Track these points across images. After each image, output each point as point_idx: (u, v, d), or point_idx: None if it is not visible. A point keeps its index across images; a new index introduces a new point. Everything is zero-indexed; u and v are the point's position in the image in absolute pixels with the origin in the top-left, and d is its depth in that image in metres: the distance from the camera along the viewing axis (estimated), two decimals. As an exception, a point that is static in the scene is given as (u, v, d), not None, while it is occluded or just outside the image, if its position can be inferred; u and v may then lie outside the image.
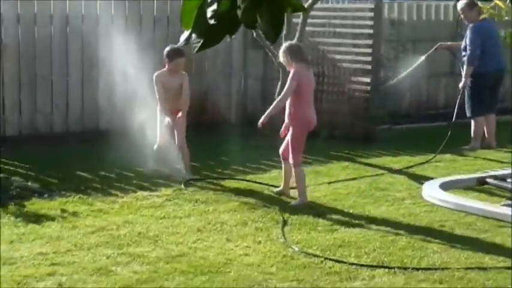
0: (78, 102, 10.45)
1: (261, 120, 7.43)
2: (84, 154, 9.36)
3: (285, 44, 7.57)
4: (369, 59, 10.85)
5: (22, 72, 10.04)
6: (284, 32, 10.21)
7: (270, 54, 10.50)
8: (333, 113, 11.22)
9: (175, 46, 8.23)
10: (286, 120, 7.55)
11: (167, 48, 8.34)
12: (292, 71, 7.39)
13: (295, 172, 7.47)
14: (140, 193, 7.70)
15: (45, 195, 7.49)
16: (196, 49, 1.98)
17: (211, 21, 1.93)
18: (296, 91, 7.36)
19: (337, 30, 11.26)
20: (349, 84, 11.12)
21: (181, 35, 2.15)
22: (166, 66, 8.32)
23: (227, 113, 11.77)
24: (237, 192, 7.82)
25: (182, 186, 7.92)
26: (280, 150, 7.64)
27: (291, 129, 7.50)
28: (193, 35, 2.00)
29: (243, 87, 11.99)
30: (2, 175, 8.00)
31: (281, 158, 7.68)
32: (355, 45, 11.05)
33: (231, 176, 8.52)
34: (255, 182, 8.22)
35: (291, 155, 7.45)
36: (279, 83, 10.40)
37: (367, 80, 10.88)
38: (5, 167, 8.65)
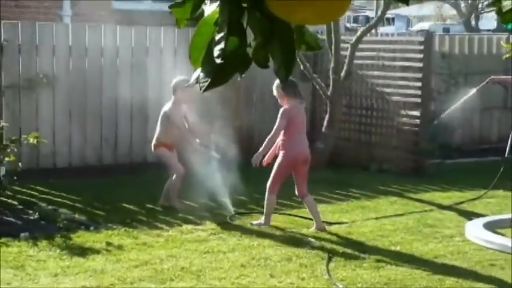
0: (127, 135, 10.51)
1: (253, 160, 7.56)
2: (132, 186, 9.40)
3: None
4: (419, 92, 10.75)
5: (73, 103, 10.14)
6: (332, 65, 10.24)
7: (317, 87, 10.50)
8: (382, 146, 11.18)
9: (182, 78, 8.24)
10: (276, 150, 7.61)
11: (175, 80, 8.37)
12: (283, 108, 7.54)
13: (267, 198, 7.57)
14: (185, 227, 7.69)
15: (92, 228, 7.53)
16: (203, 89, 1.93)
17: (218, 61, 1.87)
18: (287, 126, 7.47)
19: (386, 63, 11.19)
20: (399, 118, 11.02)
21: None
22: (173, 98, 8.31)
23: None
24: (283, 226, 7.78)
25: (228, 220, 7.88)
26: (296, 191, 7.65)
27: (279, 157, 7.53)
28: (202, 74, 1.95)
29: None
30: (50, 207, 8.07)
31: (301, 198, 7.72)
32: (404, 79, 10.96)
33: (277, 210, 8.46)
34: (301, 216, 8.16)
35: (269, 181, 7.49)
36: (327, 116, 10.38)
37: (417, 113, 10.77)
38: (54, 198, 8.73)
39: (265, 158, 7.66)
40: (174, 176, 8.25)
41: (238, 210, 8.27)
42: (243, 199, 8.74)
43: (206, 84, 1.92)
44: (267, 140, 7.65)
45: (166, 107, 8.37)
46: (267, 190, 7.59)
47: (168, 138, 8.30)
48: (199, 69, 1.97)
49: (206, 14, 1.98)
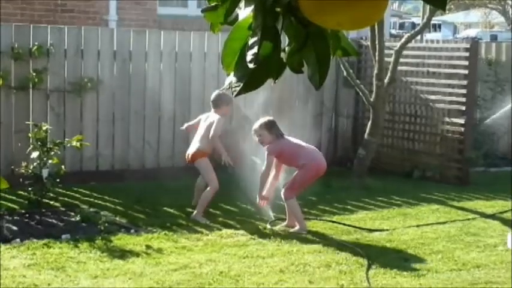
0: (169, 139, 10.56)
1: (258, 201, 7.87)
2: (173, 190, 9.43)
3: (260, 121, 7.84)
4: (464, 99, 10.63)
5: (116, 107, 10.23)
6: (375, 71, 10.17)
7: (360, 93, 10.44)
8: (426, 153, 11.11)
9: (221, 92, 8.35)
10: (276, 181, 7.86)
11: (214, 94, 8.48)
12: (267, 147, 7.71)
13: (288, 204, 7.74)
14: (225, 231, 7.70)
15: (132, 231, 7.57)
16: (235, 94, 1.91)
17: (251, 65, 1.85)
18: (278, 162, 7.80)
19: (431, 69, 11.09)
20: (443, 125, 10.92)
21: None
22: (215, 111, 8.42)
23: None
24: (323, 232, 7.77)
25: (268, 225, 7.88)
26: (283, 191, 7.74)
27: (301, 169, 7.64)
28: (234, 79, 1.93)
29: (333, 126, 11.95)
30: (91, 209, 8.14)
31: (285, 199, 7.78)
32: (449, 86, 10.86)
33: (317, 216, 8.45)
34: (341, 223, 8.14)
35: (286, 189, 7.67)
36: (370, 122, 10.31)
37: (461, 121, 10.65)
38: (96, 201, 8.82)
39: (262, 196, 7.88)
40: (209, 189, 8.19)
41: (279, 216, 8.25)
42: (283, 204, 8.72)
43: (238, 89, 1.91)
44: (260, 179, 7.83)
45: (213, 117, 8.36)
46: (284, 197, 7.70)
47: (210, 148, 8.33)
48: (232, 75, 1.95)
49: (240, 18, 1.96)
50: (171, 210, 8.49)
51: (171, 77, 10.47)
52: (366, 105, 11.15)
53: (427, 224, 8.29)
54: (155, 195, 9.18)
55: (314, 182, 7.92)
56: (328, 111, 11.86)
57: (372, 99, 10.31)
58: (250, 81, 1.90)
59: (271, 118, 7.99)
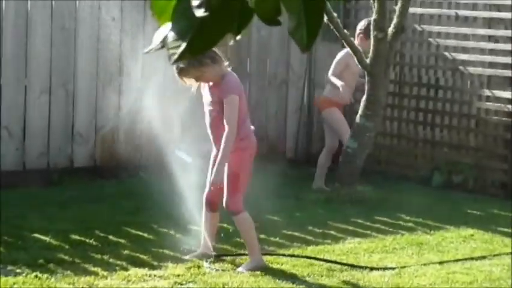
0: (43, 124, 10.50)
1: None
2: (49, 202, 9.27)
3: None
4: (510, 60, 10.64)
5: None
6: (374, 15, 10.09)
7: (350, 51, 10.35)
8: (453, 147, 11.22)
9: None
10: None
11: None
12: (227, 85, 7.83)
13: (238, 221, 7.94)
14: (134, 271, 7.63)
15: None
16: (173, 58, 1.99)
17: (200, 13, 1.90)
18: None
19: (462, 12, 11.10)
20: (480, 102, 10.97)
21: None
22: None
23: (281, 144, 11.75)
24: (292, 273, 7.71)
25: (205, 263, 7.85)
26: (225, 204, 7.90)
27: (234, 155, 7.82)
28: (171, 34, 1.98)
29: (306, 104, 11.97)
30: None
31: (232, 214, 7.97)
32: (490, 38, 10.91)
33: (281, 248, 8.43)
34: (320, 258, 8.08)
35: (229, 197, 7.84)
36: (364, 98, 10.24)
37: (509, 95, 10.66)
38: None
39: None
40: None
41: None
42: (228, 227, 8.60)
43: (179, 50, 1.94)
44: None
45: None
46: (231, 211, 7.90)
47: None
48: (166, 27, 1.98)
49: None
50: (46, 238, 8.39)
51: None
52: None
53: (456, 260, 8.29)
54: (19, 213, 9.11)
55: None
56: (298, 78, 11.90)
57: (367, 61, 10.21)
58: (198, 37, 1.93)
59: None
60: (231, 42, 2.10)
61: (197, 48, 1.95)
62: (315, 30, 2.01)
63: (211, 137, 7.83)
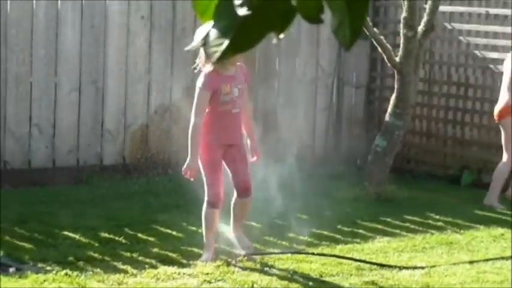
0: (73, 121, 10.49)
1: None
2: (78, 201, 9.28)
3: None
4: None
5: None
6: (404, 14, 10.07)
7: (379, 49, 10.32)
8: (484, 146, 11.18)
9: None
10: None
11: None
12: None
13: (249, 203, 8.02)
14: (163, 269, 7.64)
15: (11, 270, 7.47)
16: (216, 56, 1.95)
17: (242, 12, 1.88)
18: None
19: (494, 11, 11.05)
20: None
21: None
22: None
23: (309, 142, 11.71)
24: (320, 272, 7.67)
25: (233, 260, 7.84)
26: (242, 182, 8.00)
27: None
28: (214, 32, 1.96)
29: (335, 102, 11.95)
30: None
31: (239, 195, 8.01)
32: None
33: (310, 247, 8.39)
34: (348, 257, 8.07)
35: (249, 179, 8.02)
36: (394, 96, 10.20)
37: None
38: None
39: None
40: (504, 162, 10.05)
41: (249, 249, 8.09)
42: (257, 226, 8.57)
43: (222, 48, 1.91)
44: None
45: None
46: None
47: None
48: (208, 26, 1.96)
49: None
50: (76, 236, 8.39)
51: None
52: (387, 69, 11.15)
53: (486, 260, 8.25)
54: (49, 210, 9.08)
55: None
56: (327, 76, 11.84)
57: (397, 59, 10.18)
58: (239, 36, 1.91)
59: None
60: (274, 41, 2.08)
61: (239, 46, 1.94)
62: (357, 29, 2.00)
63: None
